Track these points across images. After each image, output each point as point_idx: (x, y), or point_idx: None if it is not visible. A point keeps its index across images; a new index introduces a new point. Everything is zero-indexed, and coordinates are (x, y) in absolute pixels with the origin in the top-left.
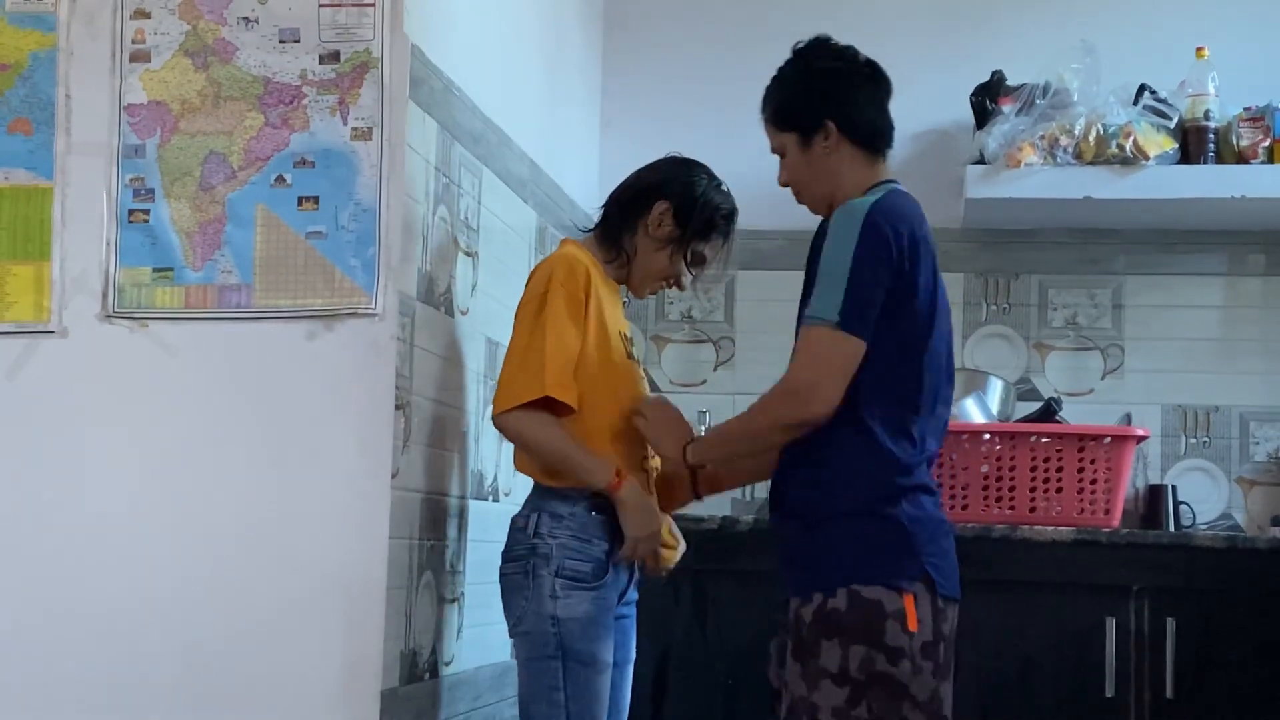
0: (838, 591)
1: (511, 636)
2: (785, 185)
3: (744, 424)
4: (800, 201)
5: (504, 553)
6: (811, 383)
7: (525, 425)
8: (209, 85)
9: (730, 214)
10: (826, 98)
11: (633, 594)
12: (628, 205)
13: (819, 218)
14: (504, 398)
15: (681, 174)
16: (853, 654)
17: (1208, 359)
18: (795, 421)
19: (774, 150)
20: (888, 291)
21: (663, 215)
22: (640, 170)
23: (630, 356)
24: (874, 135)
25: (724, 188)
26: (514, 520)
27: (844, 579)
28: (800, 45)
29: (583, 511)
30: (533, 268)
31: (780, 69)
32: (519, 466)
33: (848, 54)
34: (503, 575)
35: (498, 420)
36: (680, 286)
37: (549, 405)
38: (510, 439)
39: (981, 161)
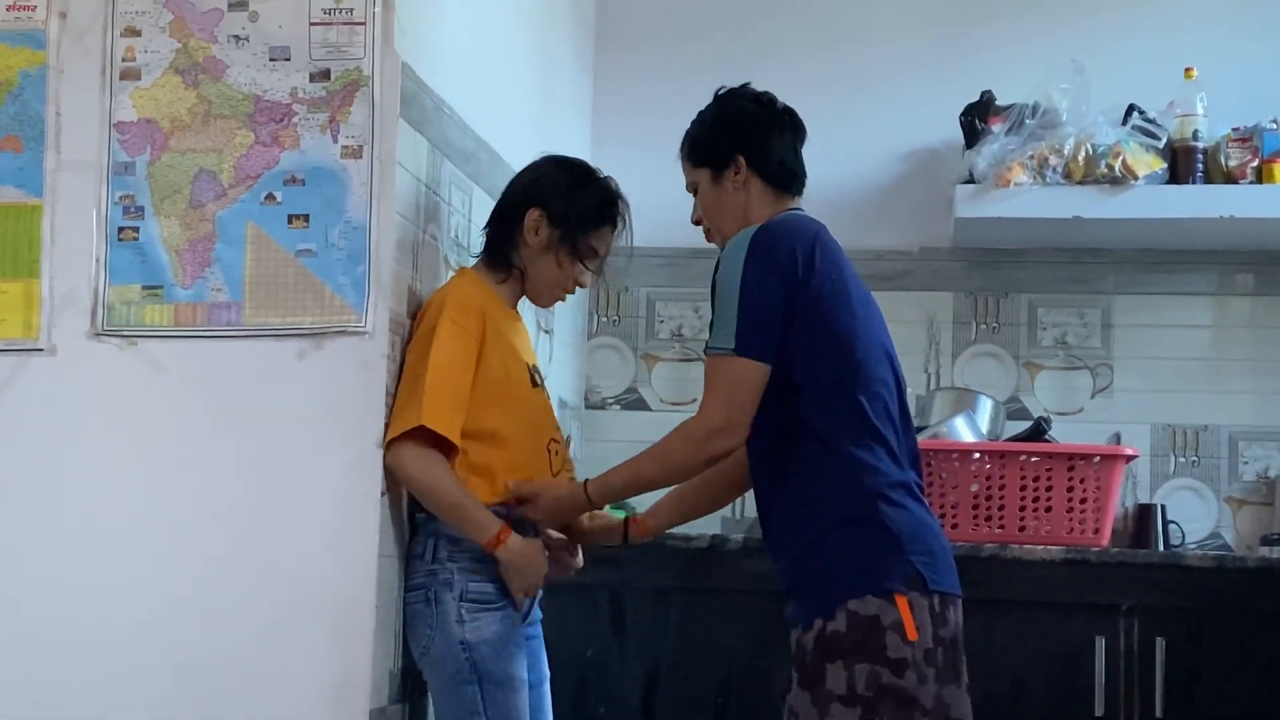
0: (835, 613)
1: (420, 666)
2: (697, 224)
3: (659, 463)
4: (709, 240)
5: (405, 582)
6: (726, 418)
7: (408, 462)
8: (199, 103)
9: (609, 200)
10: (739, 135)
11: (537, 613)
12: (503, 221)
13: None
14: (389, 431)
15: (548, 175)
16: (858, 672)
17: (1197, 378)
18: (718, 455)
19: (688, 188)
20: (789, 306)
21: (537, 223)
22: (511, 181)
23: (536, 384)
24: (784, 173)
25: (600, 176)
26: (409, 548)
27: (838, 596)
28: (721, 89)
29: None
30: (427, 299)
31: (700, 111)
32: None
33: (765, 98)
34: (406, 605)
35: (385, 456)
36: (581, 284)
37: (440, 443)
38: (396, 475)
39: (971, 181)
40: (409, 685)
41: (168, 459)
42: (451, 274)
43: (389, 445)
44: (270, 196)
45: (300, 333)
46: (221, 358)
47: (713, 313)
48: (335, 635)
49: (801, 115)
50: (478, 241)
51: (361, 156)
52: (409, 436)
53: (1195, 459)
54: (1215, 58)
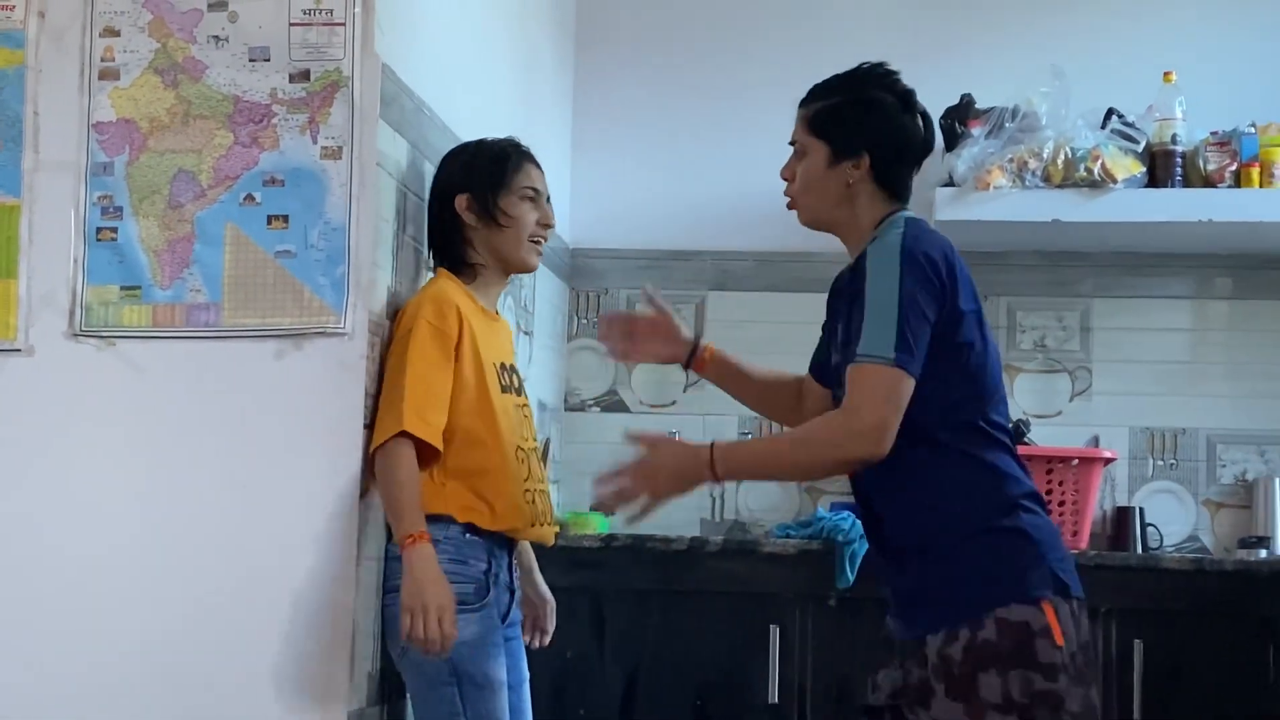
0: (985, 622)
1: (398, 667)
2: (787, 180)
3: (796, 454)
4: (791, 204)
5: (383, 583)
6: (879, 423)
7: (385, 465)
8: (178, 103)
9: (505, 146)
10: (874, 133)
11: (516, 614)
12: (440, 230)
13: (804, 240)
14: (376, 435)
15: (445, 168)
16: (1012, 680)
17: (1175, 381)
18: (862, 459)
19: (792, 141)
20: (936, 319)
21: (467, 204)
22: (429, 201)
23: (509, 389)
24: (901, 183)
25: (490, 139)
26: (388, 550)
27: (987, 604)
28: (866, 65)
29: (457, 534)
30: (404, 303)
31: (845, 77)
32: None
33: (910, 96)
34: (384, 606)
35: (375, 464)
36: (546, 223)
37: (419, 444)
38: (378, 473)
39: (951, 184)
40: (387, 687)
41: (145, 460)
42: (431, 275)
43: (375, 453)
44: (249, 197)
45: (279, 334)
46: (200, 358)
47: (862, 317)
48: (314, 637)
49: (781, 118)
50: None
51: (341, 157)
52: (392, 442)
53: (1173, 462)
54: (1194, 62)
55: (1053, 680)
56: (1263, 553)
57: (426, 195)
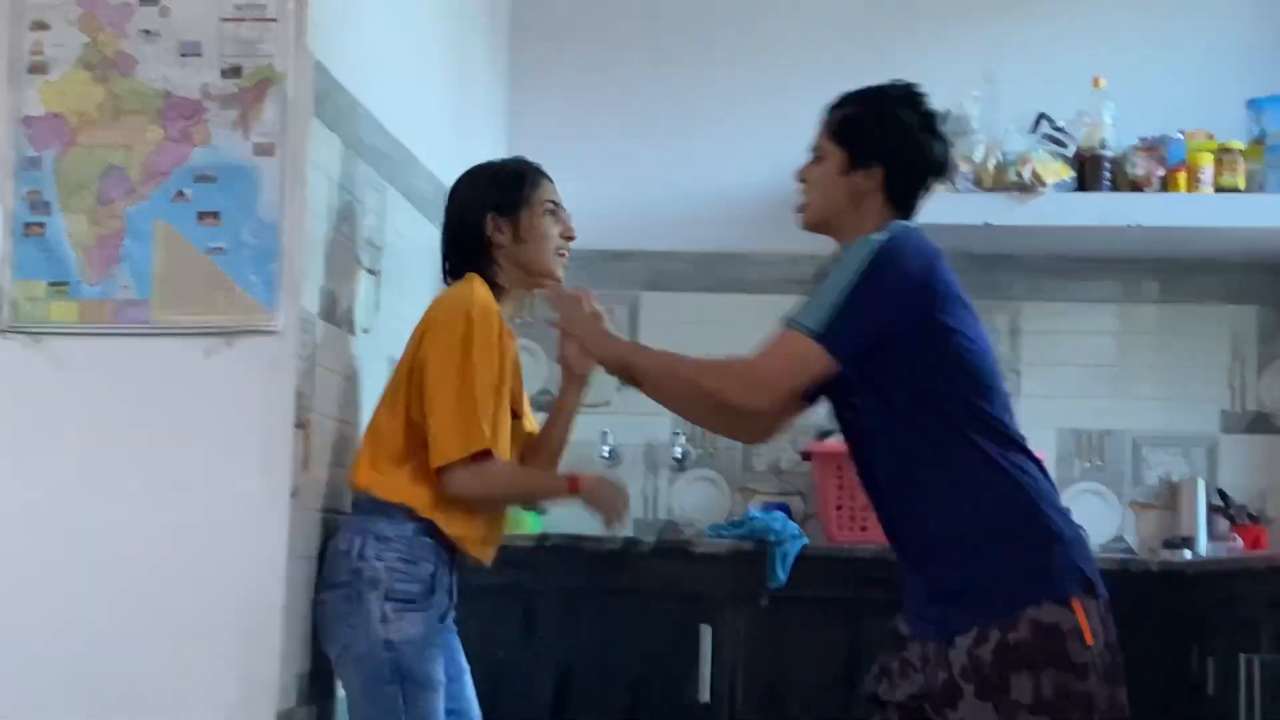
0: (1018, 623)
1: (336, 668)
2: (802, 181)
3: (688, 371)
4: (800, 204)
5: (321, 580)
6: (767, 379)
7: (481, 482)
8: (108, 98)
9: (520, 165)
10: (893, 149)
11: (452, 612)
12: (468, 249)
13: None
14: (446, 449)
15: (469, 187)
16: (1044, 680)
17: (1102, 384)
18: (737, 405)
19: (814, 148)
20: (894, 325)
21: (495, 223)
22: (447, 219)
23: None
24: (908, 201)
25: (499, 160)
26: (333, 545)
27: (1018, 604)
28: (904, 85)
29: (410, 533)
30: (439, 297)
31: (873, 90)
32: (357, 482)
33: (933, 119)
34: (319, 603)
35: (442, 475)
36: (567, 235)
37: (480, 457)
38: (462, 495)
39: None
40: (318, 688)
41: (73, 457)
42: (365, 274)
43: (451, 469)
44: (180, 193)
45: (209, 331)
46: (129, 356)
47: (810, 294)
48: (243, 637)
49: (717, 118)
50: (392, 240)
51: (273, 154)
52: (476, 460)
53: (1100, 464)
54: (1123, 68)
55: (1084, 680)
56: (1187, 554)
57: (360, 193)
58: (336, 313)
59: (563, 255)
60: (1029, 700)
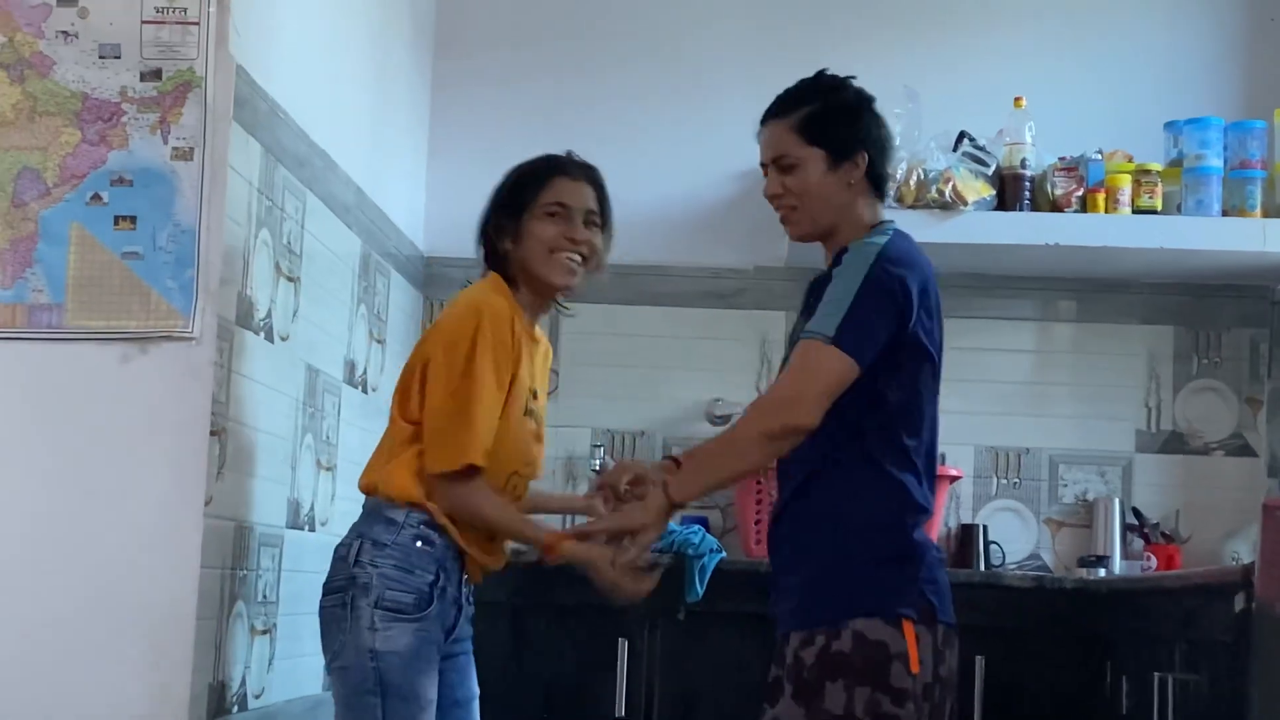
0: (841, 632)
1: (328, 672)
2: (777, 196)
3: (725, 441)
4: (787, 221)
5: (324, 584)
6: (797, 393)
7: (465, 498)
8: (24, 99)
9: (543, 162)
10: (869, 132)
11: (466, 629)
12: (484, 241)
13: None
14: (438, 459)
15: (499, 188)
16: (858, 696)
17: (1019, 402)
18: (778, 429)
19: (775, 158)
20: (893, 334)
21: (499, 229)
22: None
23: (529, 413)
24: (884, 181)
25: (541, 155)
26: (336, 549)
27: (847, 613)
28: (826, 72)
29: (408, 540)
30: (458, 294)
31: (820, 83)
32: (361, 482)
33: (873, 99)
34: (321, 609)
35: (447, 490)
36: (572, 238)
37: (470, 474)
38: (453, 506)
39: None
40: (227, 699)
41: None
42: (284, 280)
43: (444, 479)
44: (96, 197)
45: (124, 337)
46: (41, 360)
47: (819, 305)
48: (153, 646)
49: (639, 130)
50: (311, 247)
51: (192, 159)
52: (464, 475)
53: (1017, 481)
54: (1044, 88)
55: (899, 705)
56: (1101, 571)
57: (279, 199)
58: (254, 320)
59: (569, 261)
60: (839, 711)
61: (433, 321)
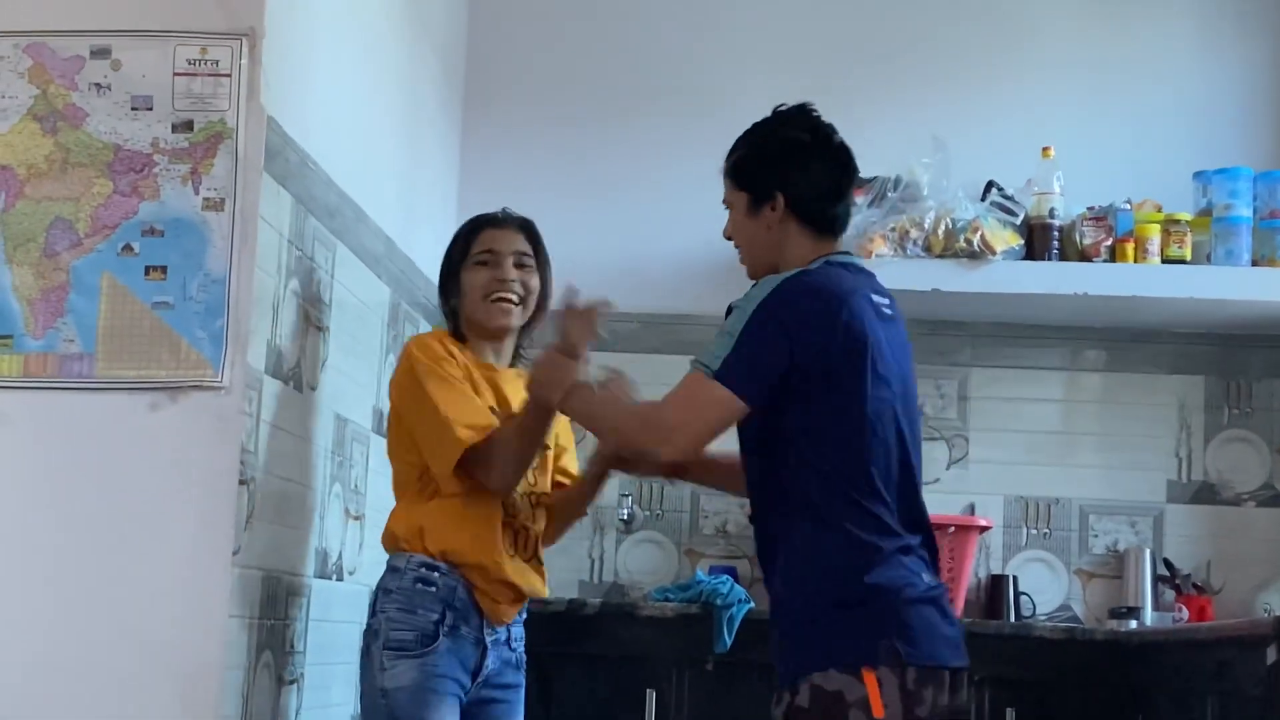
0: (800, 687)
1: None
2: (729, 239)
3: (611, 415)
4: (741, 261)
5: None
6: (677, 424)
7: (491, 467)
8: (57, 150)
9: (476, 219)
10: (783, 169)
11: (509, 676)
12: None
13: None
14: (441, 462)
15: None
16: None
17: (1049, 451)
18: (648, 452)
19: (725, 202)
20: (792, 364)
21: (446, 292)
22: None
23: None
24: (823, 218)
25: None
26: (381, 583)
27: (804, 669)
28: (782, 108)
29: (409, 583)
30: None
31: (755, 124)
32: (384, 541)
33: (822, 130)
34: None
35: (460, 482)
36: (501, 279)
37: (473, 453)
38: (490, 482)
39: None
40: None
41: (12, 513)
42: (313, 330)
43: (454, 473)
44: (128, 247)
45: (154, 386)
46: (72, 410)
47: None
48: (181, 697)
49: (666, 179)
50: (341, 297)
51: (223, 209)
52: (468, 457)
53: (1047, 531)
54: (1072, 138)
55: None
56: (1133, 623)
57: (309, 249)
58: (284, 369)
59: (498, 304)
60: None
61: None
